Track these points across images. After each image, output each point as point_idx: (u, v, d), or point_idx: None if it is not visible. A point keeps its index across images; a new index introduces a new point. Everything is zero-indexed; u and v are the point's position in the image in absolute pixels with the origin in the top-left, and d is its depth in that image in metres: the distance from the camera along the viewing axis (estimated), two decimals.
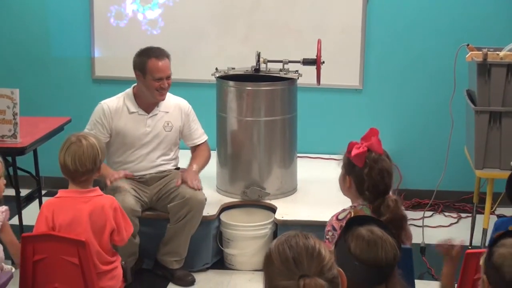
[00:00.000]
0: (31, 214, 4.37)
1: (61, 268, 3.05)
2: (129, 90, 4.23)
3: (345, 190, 2.93)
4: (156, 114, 4.21)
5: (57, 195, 3.13)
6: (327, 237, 2.81)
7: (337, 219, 2.82)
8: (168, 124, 4.24)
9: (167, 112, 4.24)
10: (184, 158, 4.43)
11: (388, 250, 2.12)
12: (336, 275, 1.83)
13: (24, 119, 4.20)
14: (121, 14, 5.41)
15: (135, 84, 4.22)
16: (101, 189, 3.29)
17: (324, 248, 1.83)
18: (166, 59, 4.13)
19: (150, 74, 4.07)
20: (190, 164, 4.31)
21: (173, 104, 4.27)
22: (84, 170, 3.07)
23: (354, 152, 2.83)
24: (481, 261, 2.23)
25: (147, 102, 4.19)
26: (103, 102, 4.19)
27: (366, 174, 2.81)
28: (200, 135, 4.38)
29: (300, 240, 1.82)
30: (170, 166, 4.29)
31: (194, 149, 4.40)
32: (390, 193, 2.86)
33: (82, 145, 3.06)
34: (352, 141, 2.89)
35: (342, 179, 2.93)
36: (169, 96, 4.26)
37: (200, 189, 4.10)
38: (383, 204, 2.78)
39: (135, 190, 4.12)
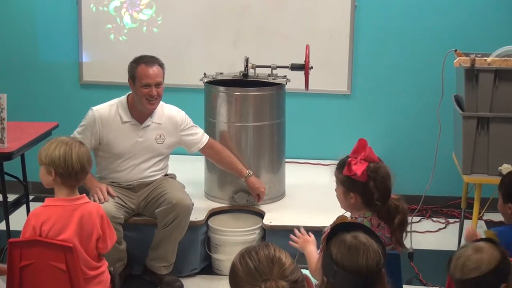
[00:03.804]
0: (18, 220, 4.34)
1: (48, 273, 3.02)
2: (123, 98, 4.16)
3: (349, 206, 2.92)
4: (149, 125, 4.15)
5: (44, 204, 3.08)
6: None
7: None
8: (160, 136, 4.18)
9: (160, 124, 4.18)
10: (172, 163, 4.42)
11: (370, 257, 2.11)
12: (301, 278, 1.92)
13: (12, 124, 4.17)
14: (110, 19, 5.39)
15: (130, 92, 4.15)
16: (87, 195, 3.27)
17: (285, 254, 1.94)
18: (157, 66, 4.06)
19: (138, 80, 4.03)
20: (240, 172, 4.35)
21: (166, 115, 4.20)
22: (87, 171, 3.07)
23: (357, 170, 2.80)
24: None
25: (140, 111, 4.13)
26: (95, 109, 4.12)
27: (373, 187, 2.81)
28: (201, 138, 4.31)
29: (260, 249, 1.94)
30: (159, 176, 4.26)
31: (206, 152, 4.37)
32: None
33: (81, 147, 3.04)
34: (348, 158, 2.87)
35: (344, 197, 2.91)
36: (163, 106, 4.20)
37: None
38: (390, 208, 2.78)
39: (120, 197, 4.10)
